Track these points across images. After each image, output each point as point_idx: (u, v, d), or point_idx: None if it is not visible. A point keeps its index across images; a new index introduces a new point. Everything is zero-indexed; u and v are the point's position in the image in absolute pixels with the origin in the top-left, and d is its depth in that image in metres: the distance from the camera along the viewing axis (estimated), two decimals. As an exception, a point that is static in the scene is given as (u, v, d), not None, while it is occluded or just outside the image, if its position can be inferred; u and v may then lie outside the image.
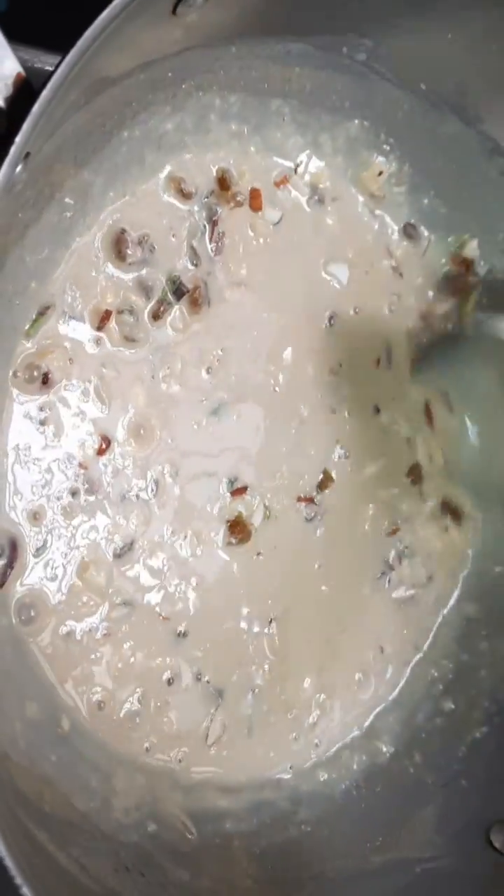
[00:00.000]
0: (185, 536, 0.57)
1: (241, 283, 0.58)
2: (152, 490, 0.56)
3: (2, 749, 0.48)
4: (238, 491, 0.58)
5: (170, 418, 0.56)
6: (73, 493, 0.54)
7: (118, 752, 0.55)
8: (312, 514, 0.61)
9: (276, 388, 0.60)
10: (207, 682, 0.58)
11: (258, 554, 0.59)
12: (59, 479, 0.53)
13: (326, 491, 0.62)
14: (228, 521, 0.58)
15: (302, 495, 0.61)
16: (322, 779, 0.62)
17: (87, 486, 0.54)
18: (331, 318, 0.61)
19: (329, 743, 0.63)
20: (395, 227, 0.64)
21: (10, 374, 0.51)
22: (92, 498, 0.54)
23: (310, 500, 0.61)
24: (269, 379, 0.60)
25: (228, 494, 0.58)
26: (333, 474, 0.62)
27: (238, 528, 0.58)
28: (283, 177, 0.60)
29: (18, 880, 0.38)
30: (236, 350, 0.58)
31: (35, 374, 0.52)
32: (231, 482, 0.58)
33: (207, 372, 0.57)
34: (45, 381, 0.52)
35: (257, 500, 0.59)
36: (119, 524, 0.55)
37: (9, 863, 0.37)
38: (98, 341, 0.54)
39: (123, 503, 0.55)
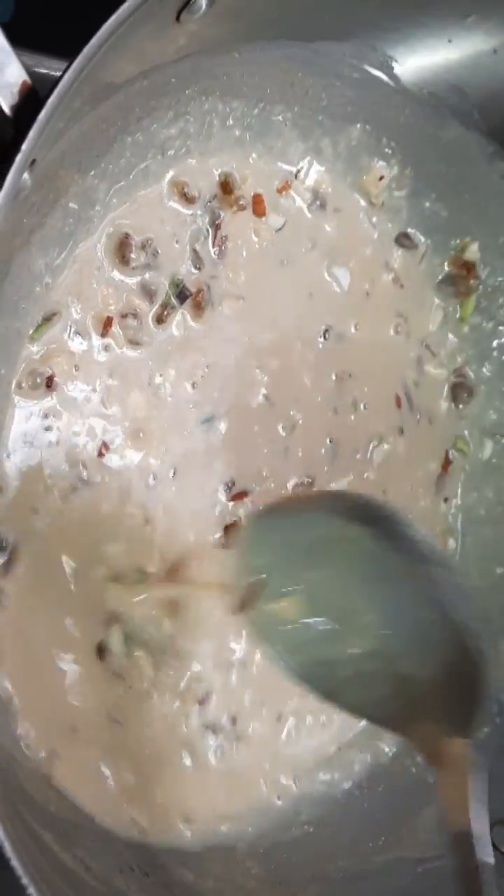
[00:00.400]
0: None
1: (239, 297, 0.58)
2: (152, 493, 0.56)
3: (7, 751, 0.48)
4: (238, 496, 0.58)
5: (166, 423, 0.56)
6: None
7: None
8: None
9: (267, 399, 0.60)
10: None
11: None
12: (61, 484, 0.53)
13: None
14: (226, 527, 0.58)
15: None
16: (324, 779, 0.62)
17: (87, 488, 0.54)
18: (326, 330, 0.61)
19: (330, 743, 0.63)
20: (395, 234, 0.64)
21: (14, 384, 0.51)
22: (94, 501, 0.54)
23: None
24: (262, 389, 0.60)
25: (228, 499, 0.58)
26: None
27: (234, 533, 0.58)
28: (284, 182, 0.60)
29: (24, 880, 0.38)
30: (230, 361, 0.58)
31: (38, 380, 0.52)
32: (228, 487, 0.58)
33: (193, 387, 0.57)
34: (49, 384, 0.52)
35: (256, 508, 0.59)
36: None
37: (15, 863, 0.37)
38: (103, 348, 0.54)
39: (124, 505, 0.55)
